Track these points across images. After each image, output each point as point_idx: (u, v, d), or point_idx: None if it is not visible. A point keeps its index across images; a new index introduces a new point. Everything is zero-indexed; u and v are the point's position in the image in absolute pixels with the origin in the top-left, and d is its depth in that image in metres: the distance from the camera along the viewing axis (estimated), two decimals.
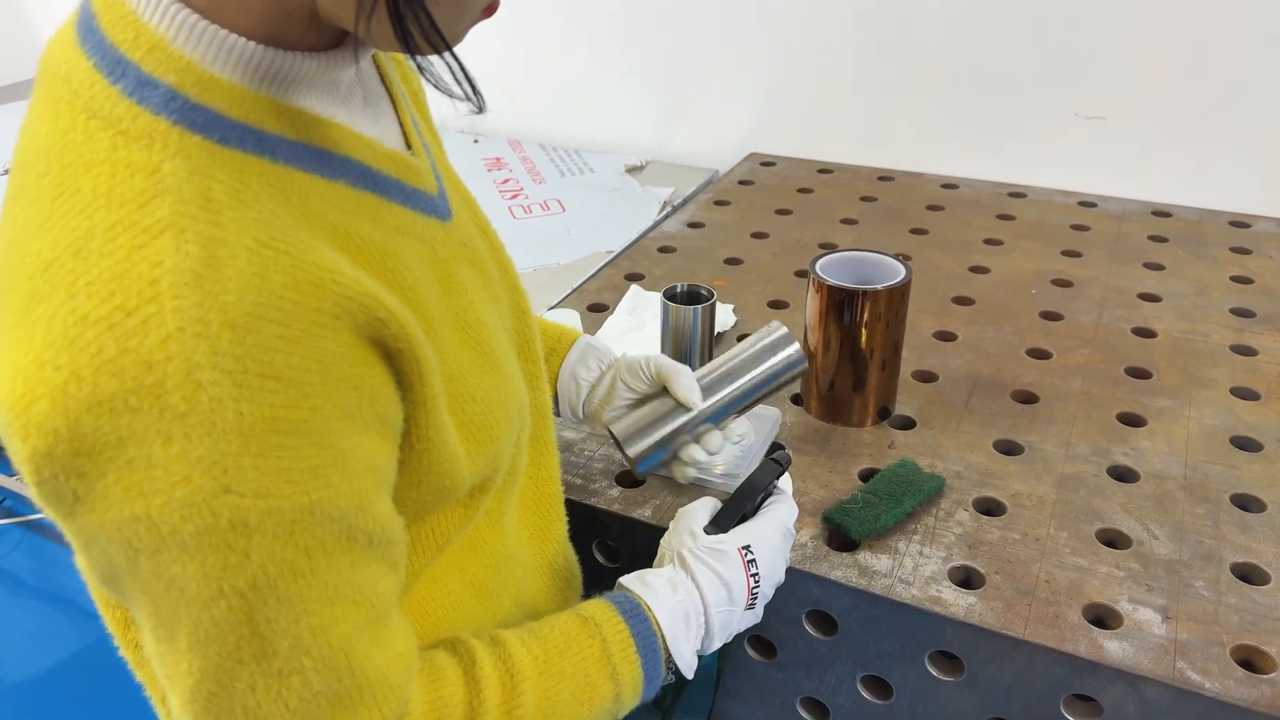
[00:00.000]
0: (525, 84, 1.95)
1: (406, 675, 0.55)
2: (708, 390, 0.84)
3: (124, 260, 0.43)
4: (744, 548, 0.71)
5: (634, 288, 1.30)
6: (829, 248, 1.39)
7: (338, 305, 0.48)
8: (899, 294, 0.97)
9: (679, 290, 1.05)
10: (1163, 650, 0.74)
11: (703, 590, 0.69)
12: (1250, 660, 0.75)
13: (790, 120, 1.77)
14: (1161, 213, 1.51)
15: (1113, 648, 0.75)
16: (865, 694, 0.86)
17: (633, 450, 0.83)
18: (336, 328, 0.48)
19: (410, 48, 0.50)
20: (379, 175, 0.57)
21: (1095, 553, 0.84)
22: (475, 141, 1.96)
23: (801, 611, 0.85)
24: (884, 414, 1.03)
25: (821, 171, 1.72)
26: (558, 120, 1.98)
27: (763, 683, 0.91)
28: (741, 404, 0.85)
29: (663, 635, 0.67)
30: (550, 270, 1.42)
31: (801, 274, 1.35)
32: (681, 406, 0.83)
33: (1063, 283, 1.31)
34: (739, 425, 0.88)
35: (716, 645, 0.71)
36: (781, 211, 1.56)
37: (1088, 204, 1.55)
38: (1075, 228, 1.47)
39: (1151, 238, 1.43)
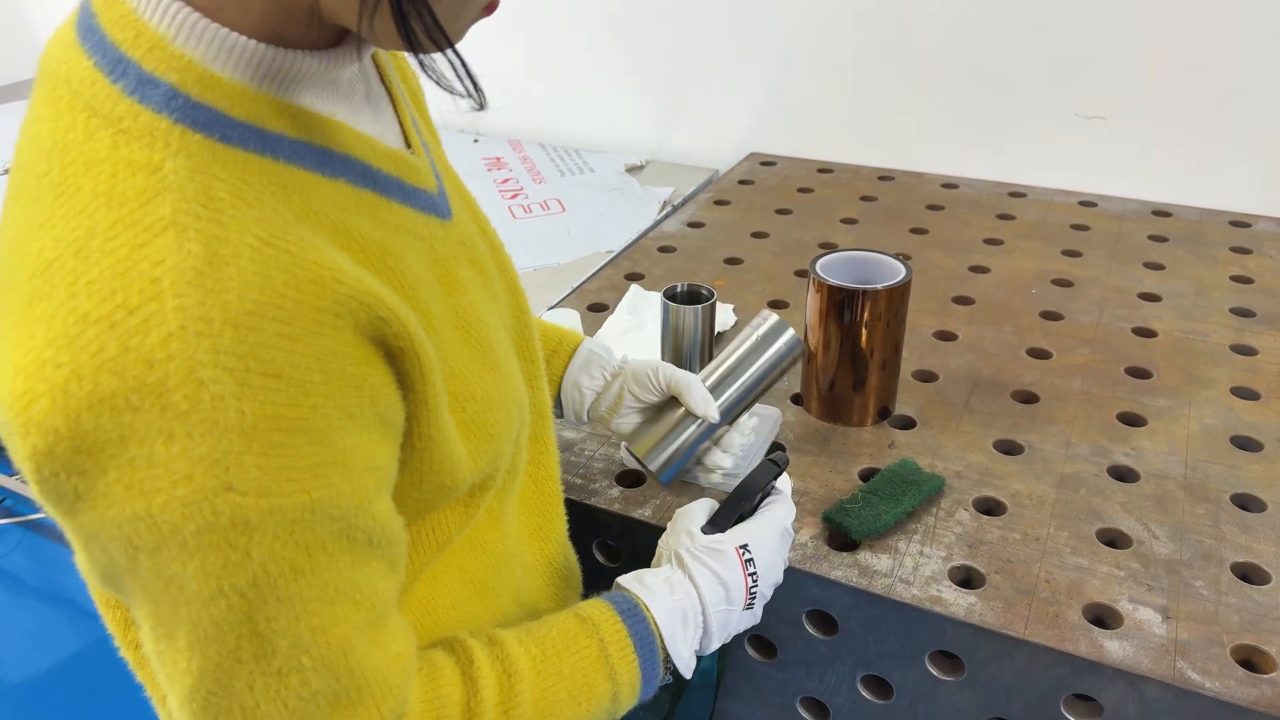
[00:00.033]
0: (525, 83, 1.95)
1: (405, 675, 0.55)
2: (715, 390, 0.84)
3: (125, 259, 0.43)
4: (741, 547, 0.71)
5: (634, 287, 1.30)
6: (829, 247, 1.39)
7: (339, 304, 0.48)
8: (899, 294, 0.97)
9: (679, 290, 1.05)
10: (1163, 650, 0.74)
11: (700, 590, 0.69)
12: (1250, 660, 0.75)
13: (790, 120, 1.77)
14: (1162, 212, 1.51)
15: (1113, 647, 0.75)
16: (865, 694, 0.86)
17: (656, 466, 0.85)
18: (338, 326, 0.48)
19: (413, 45, 0.50)
20: (379, 174, 0.57)
21: (1095, 552, 0.84)
22: (475, 141, 1.97)
23: (802, 611, 0.85)
24: (884, 414, 1.03)
25: (821, 171, 1.72)
26: (558, 120, 1.98)
27: (763, 683, 0.91)
28: (749, 398, 0.85)
29: (660, 635, 0.67)
30: (550, 270, 1.42)
31: (802, 274, 1.35)
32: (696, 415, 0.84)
33: (1063, 282, 1.31)
34: (748, 419, 0.89)
35: (715, 645, 0.70)
36: (781, 211, 1.56)
37: (1088, 204, 1.55)
38: (1075, 227, 1.47)
39: (1151, 237, 1.43)
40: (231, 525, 0.45)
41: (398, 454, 0.54)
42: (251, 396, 0.44)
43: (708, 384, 0.85)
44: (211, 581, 0.46)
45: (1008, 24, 1.54)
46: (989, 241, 1.43)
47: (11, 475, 1.35)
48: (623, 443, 0.96)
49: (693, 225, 1.51)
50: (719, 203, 1.59)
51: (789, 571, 0.82)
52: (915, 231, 1.47)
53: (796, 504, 0.89)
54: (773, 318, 0.86)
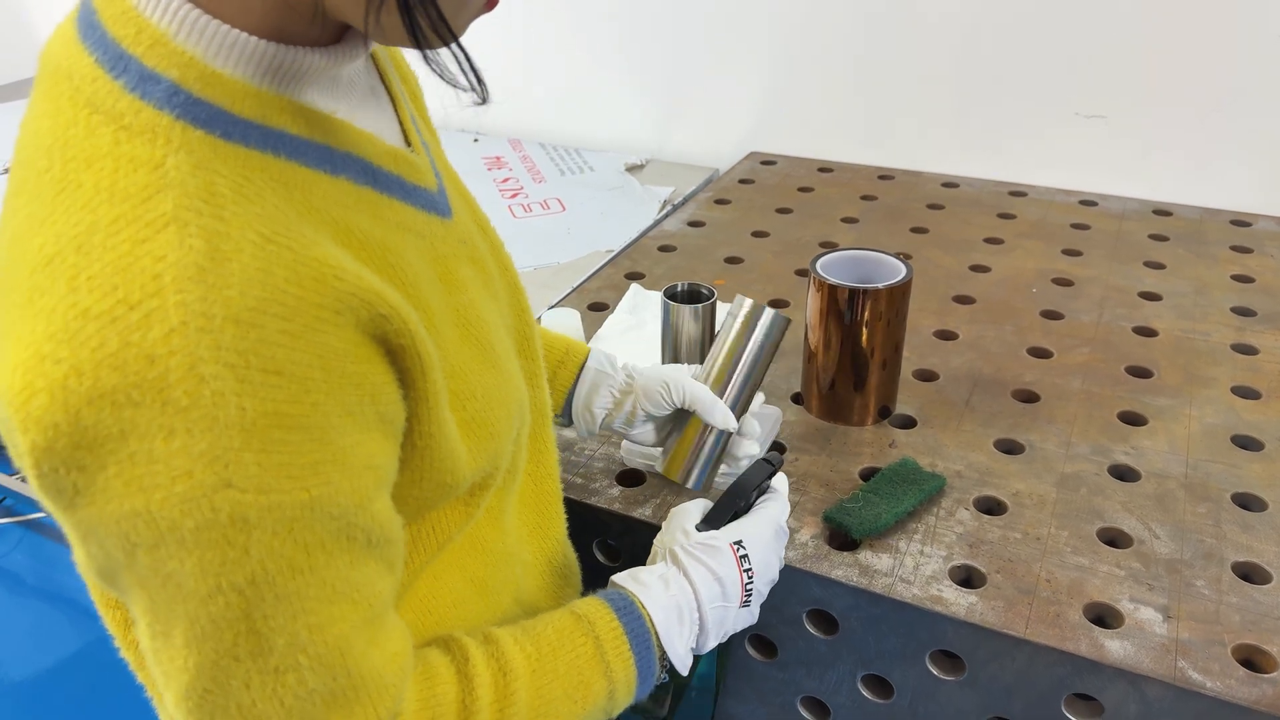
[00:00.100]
0: (525, 83, 1.95)
1: (402, 675, 0.55)
2: (720, 391, 0.84)
3: (127, 254, 0.43)
4: (736, 543, 0.71)
5: (634, 287, 1.30)
6: (829, 247, 1.39)
7: (340, 301, 0.48)
8: (899, 293, 0.97)
9: (679, 289, 1.05)
10: (1164, 649, 0.74)
11: (695, 585, 0.69)
12: (1251, 659, 0.75)
13: (790, 119, 1.77)
14: (1162, 211, 1.51)
15: (1114, 647, 0.75)
16: (866, 693, 0.86)
17: (692, 484, 0.86)
18: (339, 323, 0.48)
19: (419, 40, 0.50)
20: (380, 171, 0.57)
21: (1096, 552, 0.84)
22: (475, 140, 1.96)
23: (802, 611, 0.85)
24: (885, 413, 1.03)
25: (822, 170, 1.72)
26: (558, 119, 1.98)
27: (763, 682, 0.90)
28: (751, 385, 0.86)
29: (655, 631, 0.67)
30: (550, 269, 1.42)
31: (802, 273, 1.35)
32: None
33: (1063, 282, 1.31)
34: (757, 399, 0.89)
35: (712, 643, 0.70)
36: (782, 210, 1.56)
37: (1088, 203, 1.55)
38: (1076, 227, 1.47)
39: (1152, 236, 1.43)
40: (230, 522, 0.45)
41: (398, 453, 0.54)
42: (252, 393, 0.44)
43: (709, 382, 0.85)
44: (209, 578, 0.46)
45: (1008, 24, 1.54)
46: (989, 241, 1.43)
47: (11, 474, 1.35)
48: (624, 442, 0.96)
49: (693, 224, 1.51)
50: (719, 202, 1.59)
51: (790, 571, 0.82)
52: (916, 231, 1.47)
53: (797, 503, 0.90)
54: (747, 303, 0.86)
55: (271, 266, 0.45)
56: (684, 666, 0.68)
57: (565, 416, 0.88)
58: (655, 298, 1.25)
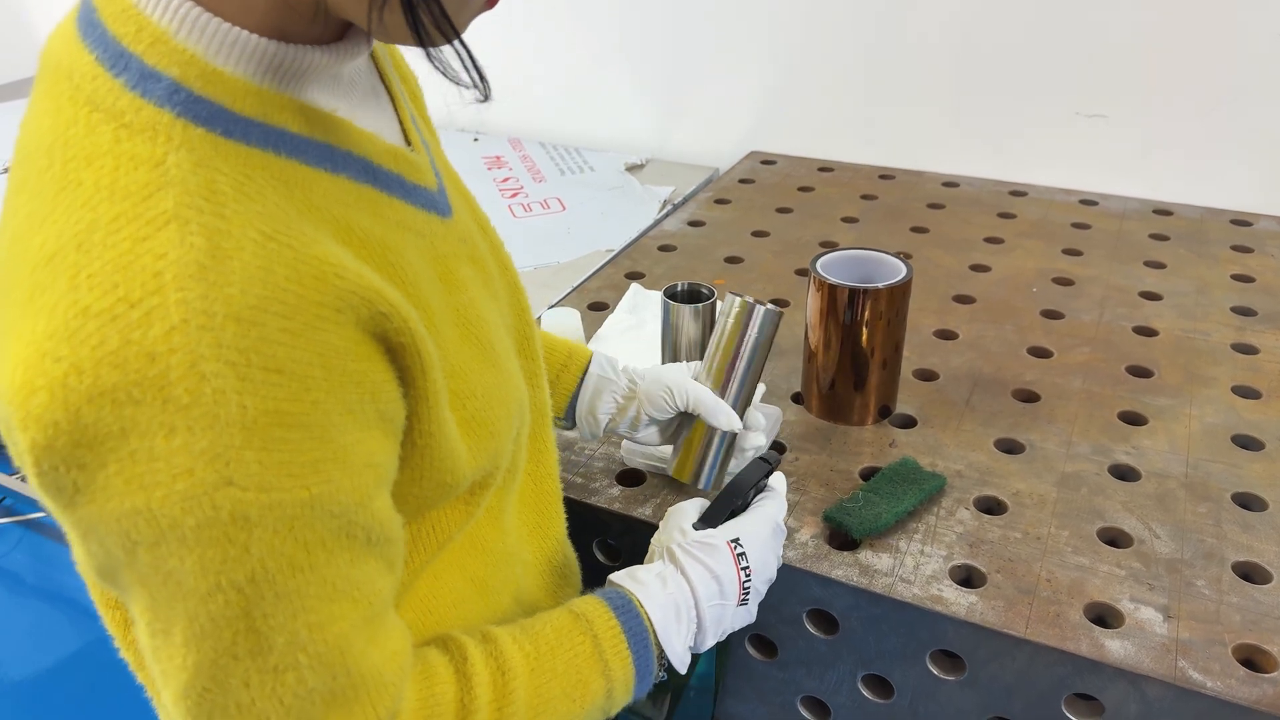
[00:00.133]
0: (525, 82, 1.94)
1: (401, 674, 0.55)
2: (720, 392, 0.84)
3: (127, 252, 0.43)
4: (733, 541, 0.71)
5: (634, 286, 1.30)
6: (830, 246, 1.39)
7: (340, 299, 0.48)
8: (900, 292, 0.97)
9: (679, 289, 1.05)
10: (1164, 649, 0.74)
11: (693, 583, 0.69)
12: (1252, 659, 0.75)
13: (791, 118, 1.77)
14: (1163, 211, 1.51)
15: (1114, 647, 0.74)
16: (866, 693, 0.86)
17: (703, 484, 0.88)
18: (339, 321, 0.48)
19: (422, 38, 0.50)
20: (380, 170, 0.57)
21: (1096, 552, 0.84)
22: (475, 140, 1.96)
23: (802, 610, 0.85)
24: (885, 413, 1.03)
25: (822, 170, 1.72)
26: (558, 118, 1.98)
27: (763, 682, 0.90)
28: (750, 381, 0.86)
29: (653, 629, 0.67)
30: (550, 269, 1.42)
31: (802, 272, 1.35)
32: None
33: (1064, 281, 1.31)
34: (759, 392, 0.90)
35: (710, 642, 0.70)
36: (782, 210, 1.56)
37: (1089, 202, 1.55)
38: (1076, 226, 1.47)
39: (1153, 236, 1.43)
40: (231, 520, 0.44)
41: (398, 451, 0.54)
42: (253, 391, 0.44)
43: (708, 382, 0.85)
44: (209, 577, 0.45)
45: (1008, 23, 1.54)
46: (990, 240, 1.43)
47: (11, 474, 1.35)
48: (624, 441, 0.96)
49: (693, 224, 1.51)
50: (719, 201, 1.59)
51: (790, 571, 0.82)
52: (916, 230, 1.47)
53: (797, 503, 0.90)
54: (737, 301, 0.86)
55: (272, 264, 0.45)
56: (682, 665, 0.68)
57: (569, 420, 0.88)
58: (655, 297, 1.25)
